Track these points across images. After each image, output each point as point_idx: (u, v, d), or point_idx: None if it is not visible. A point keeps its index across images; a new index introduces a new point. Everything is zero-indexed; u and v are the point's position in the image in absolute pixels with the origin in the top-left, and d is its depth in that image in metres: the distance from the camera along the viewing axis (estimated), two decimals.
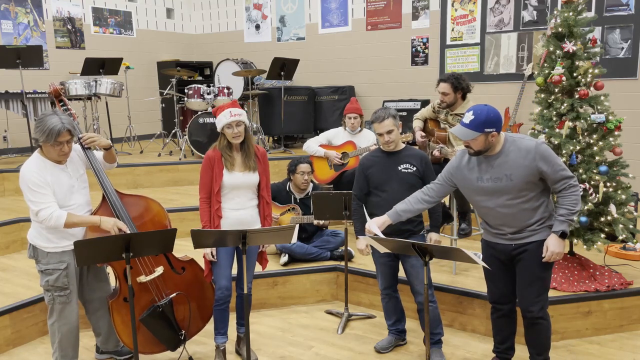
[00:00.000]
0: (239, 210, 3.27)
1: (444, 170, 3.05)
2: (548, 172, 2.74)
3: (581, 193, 2.82)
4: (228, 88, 6.69)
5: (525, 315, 2.93)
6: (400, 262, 3.37)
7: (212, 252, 3.19)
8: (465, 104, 4.17)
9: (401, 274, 3.40)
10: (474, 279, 3.94)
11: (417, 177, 3.29)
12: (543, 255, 2.81)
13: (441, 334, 3.36)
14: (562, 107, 3.63)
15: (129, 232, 3.02)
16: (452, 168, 3.00)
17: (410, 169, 3.28)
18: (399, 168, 3.28)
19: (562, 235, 2.79)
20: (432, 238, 3.31)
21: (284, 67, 7.11)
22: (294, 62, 7.33)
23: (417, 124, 4.47)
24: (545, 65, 3.76)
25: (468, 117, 2.79)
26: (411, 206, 3.06)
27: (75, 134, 2.96)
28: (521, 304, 2.94)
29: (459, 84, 4.11)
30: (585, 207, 3.58)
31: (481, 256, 3.50)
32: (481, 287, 3.80)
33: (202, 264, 3.31)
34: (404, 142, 3.49)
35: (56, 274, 2.98)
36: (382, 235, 2.97)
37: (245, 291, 2.97)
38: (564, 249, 2.83)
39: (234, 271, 3.32)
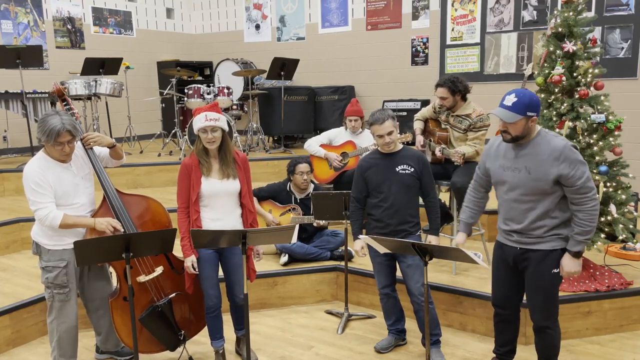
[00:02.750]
0: (219, 220, 3.15)
1: (480, 160, 3.06)
2: (568, 178, 2.63)
3: (598, 208, 2.69)
4: (228, 88, 6.69)
5: (532, 321, 2.93)
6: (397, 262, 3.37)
7: (193, 265, 3.10)
8: (466, 105, 4.15)
9: (398, 273, 3.39)
10: (474, 279, 3.94)
11: (414, 178, 3.28)
12: (555, 271, 2.78)
13: (439, 335, 3.36)
14: (562, 107, 3.63)
15: (122, 230, 3.03)
16: (483, 155, 3.01)
17: (408, 170, 3.27)
18: (397, 169, 3.28)
19: (577, 254, 2.71)
20: (431, 242, 3.27)
21: (284, 67, 7.11)
22: (294, 62, 7.33)
23: (417, 125, 4.45)
24: (545, 65, 3.76)
25: (510, 100, 2.69)
26: (476, 209, 3.12)
27: (76, 134, 2.96)
28: (529, 310, 2.93)
29: (456, 87, 4.07)
30: None
31: (481, 256, 3.49)
32: (481, 287, 3.80)
33: None
34: (403, 143, 3.49)
35: (56, 271, 2.99)
36: (372, 241, 2.98)
37: (246, 290, 2.95)
38: (580, 267, 2.76)
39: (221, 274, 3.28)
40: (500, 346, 3.15)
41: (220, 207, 3.16)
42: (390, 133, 3.23)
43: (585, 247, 2.75)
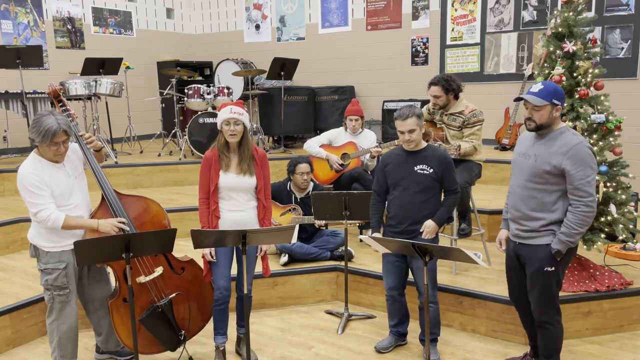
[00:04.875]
0: (237, 211, 3.25)
1: None
2: (569, 174, 2.70)
3: (592, 215, 2.73)
4: (228, 88, 6.69)
5: (532, 315, 2.98)
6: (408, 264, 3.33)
7: (210, 253, 3.18)
8: (458, 102, 4.19)
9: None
10: (474, 279, 3.94)
11: (433, 180, 3.21)
12: (548, 269, 2.82)
13: (437, 334, 3.36)
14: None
15: (128, 229, 3.03)
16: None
17: (427, 171, 3.21)
18: (415, 168, 3.23)
19: (557, 252, 2.79)
20: (426, 225, 3.22)
21: (284, 67, 7.11)
22: (294, 62, 7.33)
23: None
24: (545, 65, 3.76)
25: (537, 87, 2.79)
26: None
27: (70, 134, 2.95)
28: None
29: (450, 86, 4.10)
30: None
31: (481, 256, 3.48)
32: (481, 287, 3.80)
33: (201, 263, 3.31)
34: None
35: (55, 273, 2.98)
36: (372, 241, 2.98)
37: (245, 291, 2.97)
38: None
39: (234, 271, 3.32)
40: (530, 339, 3.21)
41: (237, 199, 3.26)
42: (412, 131, 3.17)
43: (566, 248, 2.77)
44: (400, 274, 3.35)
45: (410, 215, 3.24)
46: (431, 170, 3.21)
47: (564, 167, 2.71)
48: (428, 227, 3.21)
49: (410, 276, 3.40)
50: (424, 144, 3.30)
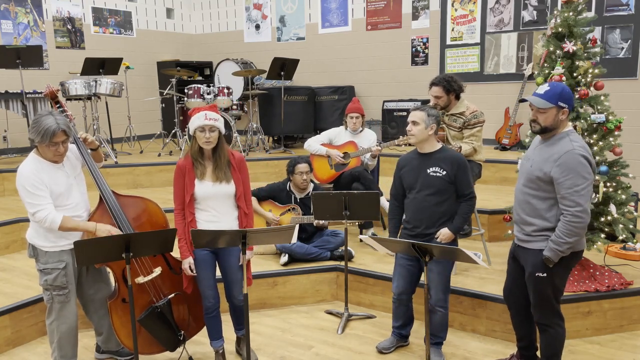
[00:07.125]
0: (214, 222, 3.12)
1: None
2: (556, 182, 2.64)
3: (582, 226, 2.64)
4: (228, 88, 6.69)
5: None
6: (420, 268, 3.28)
7: (190, 267, 3.10)
8: (459, 103, 4.18)
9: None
10: (474, 279, 3.94)
11: (446, 182, 3.16)
12: (541, 274, 2.79)
13: (443, 338, 3.34)
14: None
15: None
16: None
17: (440, 173, 3.16)
18: (428, 171, 3.19)
19: (547, 259, 2.72)
20: (441, 232, 3.19)
21: (284, 67, 7.11)
22: (294, 62, 7.33)
23: None
24: (545, 65, 3.76)
25: (543, 88, 2.73)
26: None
27: (70, 134, 2.95)
28: None
29: (451, 87, 4.09)
30: None
31: (481, 256, 3.47)
32: (481, 287, 3.80)
33: None
34: (406, 144, 3.47)
35: (55, 273, 2.98)
36: (372, 241, 2.97)
37: (245, 291, 2.95)
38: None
39: (219, 273, 3.27)
40: (517, 340, 3.19)
41: (214, 209, 3.14)
42: (414, 123, 3.17)
43: (557, 257, 2.70)
44: (411, 278, 3.30)
45: (425, 219, 3.20)
46: (444, 173, 3.16)
47: (552, 174, 2.65)
48: (444, 234, 3.18)
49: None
50: (438, 146, 3.25)
